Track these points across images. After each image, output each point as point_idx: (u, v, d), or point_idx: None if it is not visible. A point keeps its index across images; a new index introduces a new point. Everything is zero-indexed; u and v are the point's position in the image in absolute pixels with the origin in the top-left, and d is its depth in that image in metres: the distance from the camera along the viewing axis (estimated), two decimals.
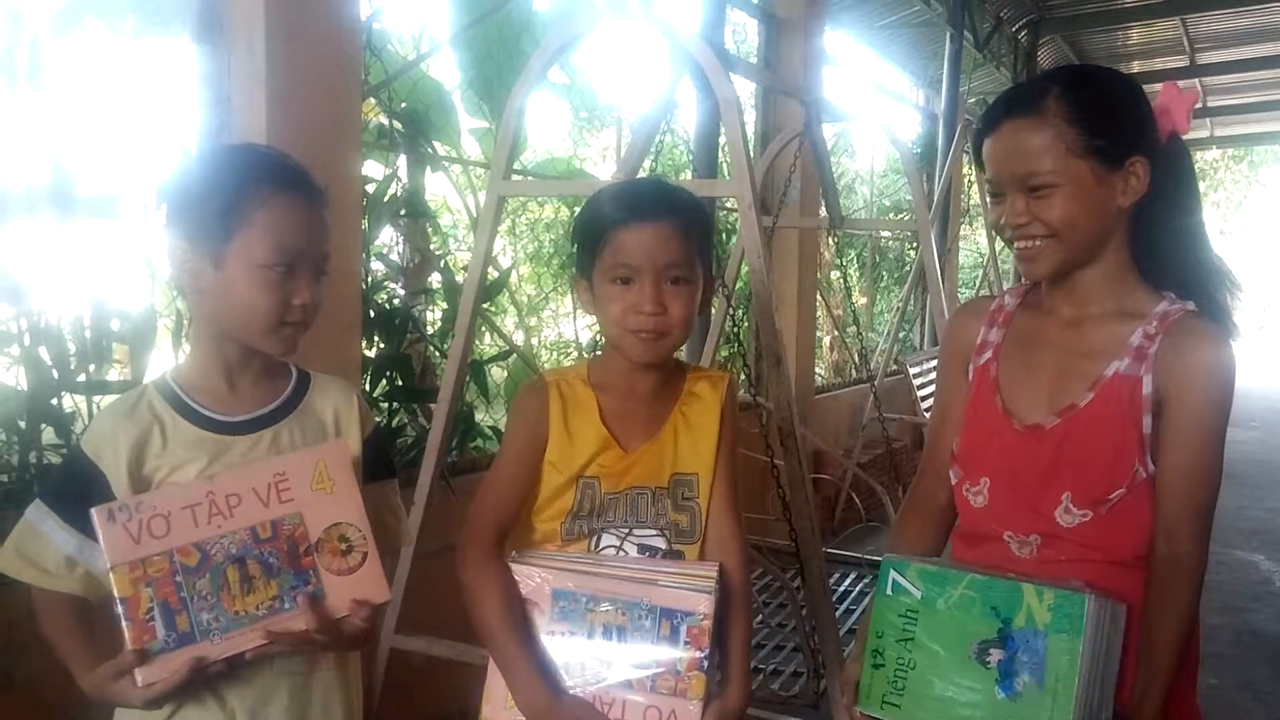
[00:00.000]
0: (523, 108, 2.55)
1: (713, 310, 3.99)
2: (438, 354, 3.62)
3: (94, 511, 1.18)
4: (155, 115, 2.77)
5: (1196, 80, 11.41)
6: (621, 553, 1.41)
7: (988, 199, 1.41)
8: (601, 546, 1.41)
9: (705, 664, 1.32)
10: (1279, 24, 9.27)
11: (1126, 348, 1.32)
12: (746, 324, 4.88)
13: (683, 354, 5.11)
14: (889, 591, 1.33)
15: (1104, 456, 1.31)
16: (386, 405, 3.31)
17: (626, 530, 1.42)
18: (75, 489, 1.26)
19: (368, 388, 3.18)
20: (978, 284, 9.59)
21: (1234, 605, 4.65)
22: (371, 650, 2.46)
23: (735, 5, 5.20)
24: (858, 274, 9.16)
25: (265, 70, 2.47)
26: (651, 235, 1.32)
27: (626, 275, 1.33)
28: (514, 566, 1.38)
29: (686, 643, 1.32)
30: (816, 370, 7.20)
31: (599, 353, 1.53)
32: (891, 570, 1.34)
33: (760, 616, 3.52)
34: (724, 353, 4.39)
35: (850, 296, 5.62)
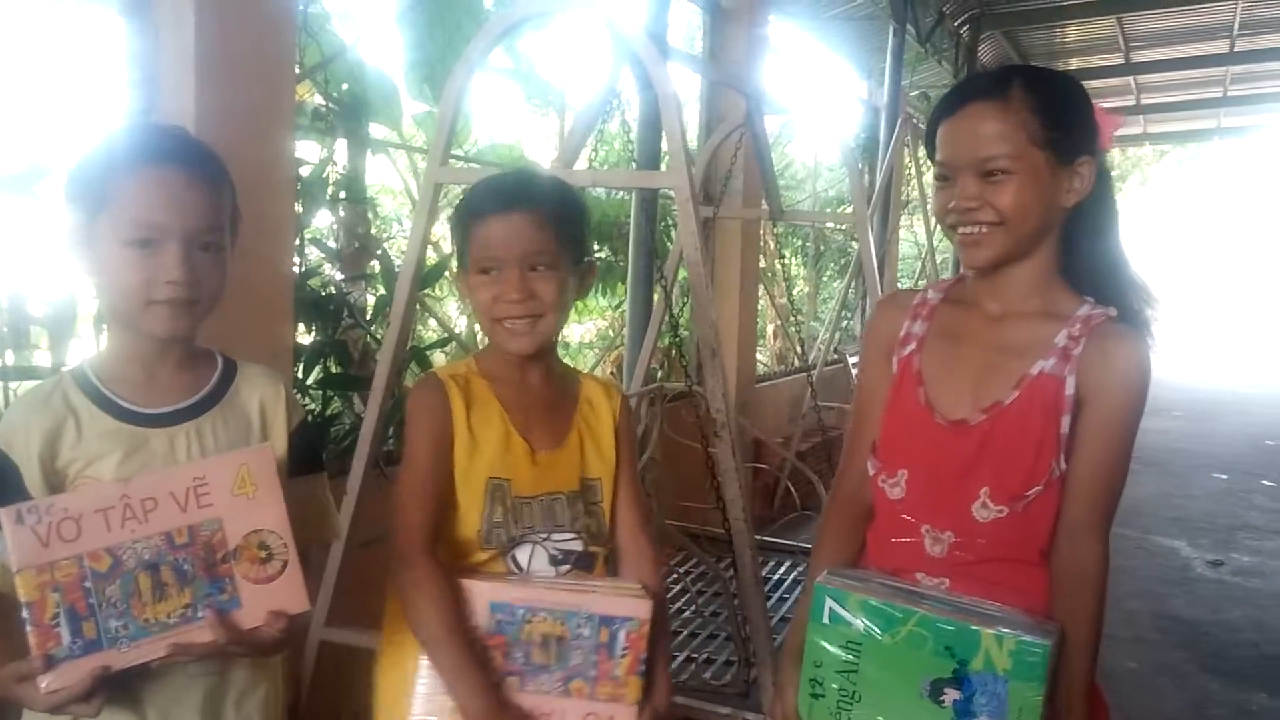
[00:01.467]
0: (462, 92, 2.52)
1: (655, 299, 4.00)
2: (375, 341, 3.57)
3: (1, 513, 1.14)
4: (81, 94, 2.69)
5: (1131, 78, 11.70)
6: (536, 555, 1.44)
7: (935, 185, 1.41)
8: (515, 553, 1.43)
9: (643, 669, 1.36)
10: (1209, 24, 9.54)
11: (1051, 347, 1.34)
12: (688, 314, 4.89)
13: (623, 341, 5.11)
14: (826, 620, 1.31)
15: (1025, 453, 1.33)
16: (321, 392, 3.26)
17: (545, 536, 1.44)
18: None
19: (301, 374, 3.12)
20: (916, 275, 9.73)
21: (1154, 590, 4.79)
22: (301, 643, 2.43)
23: None
24: (802, 263, 9.23)
25: (194, 49, 2.41)
26: (511, 225, 1.39)
27: (491, 265, 1.40)
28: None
29: (625, 648, 1.36)
30: (760, 359, 7.24)
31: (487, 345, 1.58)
32: (829, 600, 1.32)
33: (694, 606, 3.55)
34: (665, 341, 4.40)
35: (791, 286, 5.66)
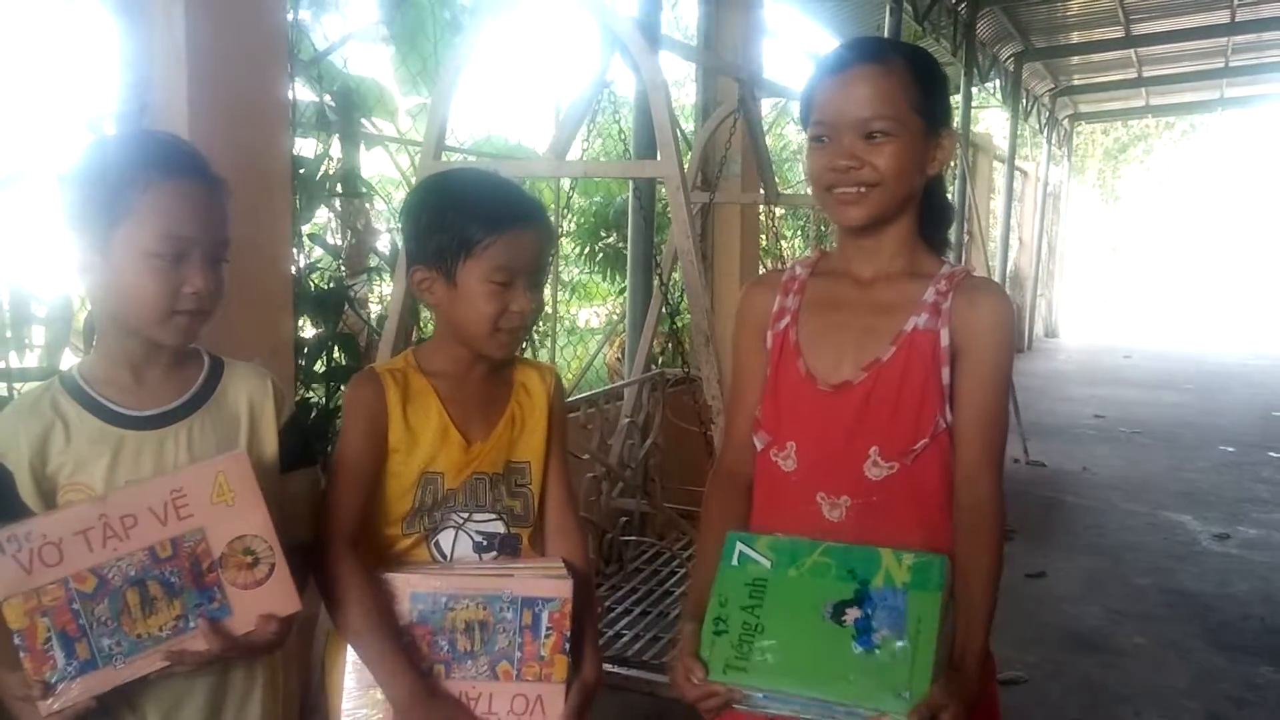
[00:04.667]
0: (453, 86, 2.53)
1: (654, 286, 4.01)
2: (377, 334, 3.60)
3: None
4: (70, 93, 2.70)
5: (1132, 51, 11.63)
6: (459, 541, 1.46)
7: (809, 149, 1.43)
8: (438, 539, 1.46)
9: (567, 647, 1.39)
10: None
11: (922, 304, 1.39)
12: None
13: (624, 328, 5.12)
14: (735, 563, 1.33)
15: (909, 408, 1.37)
16: (325, 384, 3.28)
17: (466, 516, 1.46)
18: None
19: (305, 365, 3.15)
20: None
21: (1161, 565, 4.78)
22: (309, 632, 2.46)
23: None
24: (804, 245, 9.23)
25: (185, 48, 2.41)
26: (532, 240, 1.41)
27: (509, 278, 1.39)
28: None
29: (549, 628, 1.39)
30: None
31: (423, 341, 1.59)
32: (739, 543, 1.35)
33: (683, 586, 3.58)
34: (666, 326, 4.42)
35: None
